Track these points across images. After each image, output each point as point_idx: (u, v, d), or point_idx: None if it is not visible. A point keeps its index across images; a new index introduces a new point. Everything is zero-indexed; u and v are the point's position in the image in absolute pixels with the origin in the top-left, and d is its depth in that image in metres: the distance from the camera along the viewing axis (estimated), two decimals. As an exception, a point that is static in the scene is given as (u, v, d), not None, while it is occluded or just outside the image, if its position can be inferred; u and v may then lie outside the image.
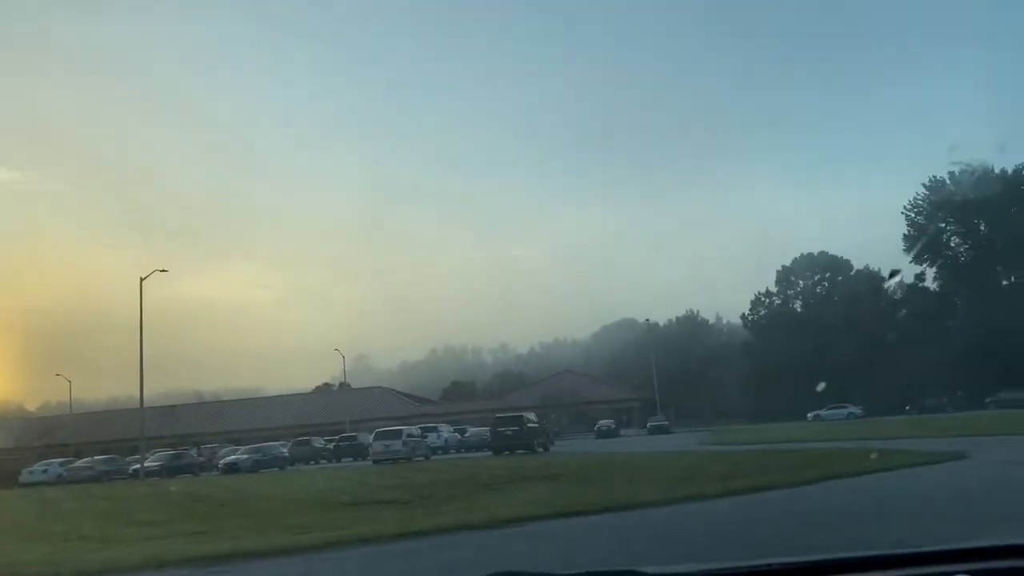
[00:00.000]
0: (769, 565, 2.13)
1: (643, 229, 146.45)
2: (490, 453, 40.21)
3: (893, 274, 47.83)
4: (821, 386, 51.59)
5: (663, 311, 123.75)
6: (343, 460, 49.85)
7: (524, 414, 42.05)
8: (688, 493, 13.26)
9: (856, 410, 66.82)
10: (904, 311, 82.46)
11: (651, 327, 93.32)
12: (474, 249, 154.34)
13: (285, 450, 50.47)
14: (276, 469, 45.10)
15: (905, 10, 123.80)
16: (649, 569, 2.04)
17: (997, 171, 75.23)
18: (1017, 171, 74.36)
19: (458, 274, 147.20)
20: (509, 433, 39.87)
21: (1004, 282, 76.24)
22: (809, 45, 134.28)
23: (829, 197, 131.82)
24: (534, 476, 22.05)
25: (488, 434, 43.51)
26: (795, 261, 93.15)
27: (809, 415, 68.35)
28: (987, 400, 61.51)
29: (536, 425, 42.36)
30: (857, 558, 2.17)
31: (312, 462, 51.32)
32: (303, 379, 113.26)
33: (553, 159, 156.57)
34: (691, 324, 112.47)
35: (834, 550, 2.25)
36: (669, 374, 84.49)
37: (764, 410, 76.78)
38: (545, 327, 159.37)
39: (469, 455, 44.87)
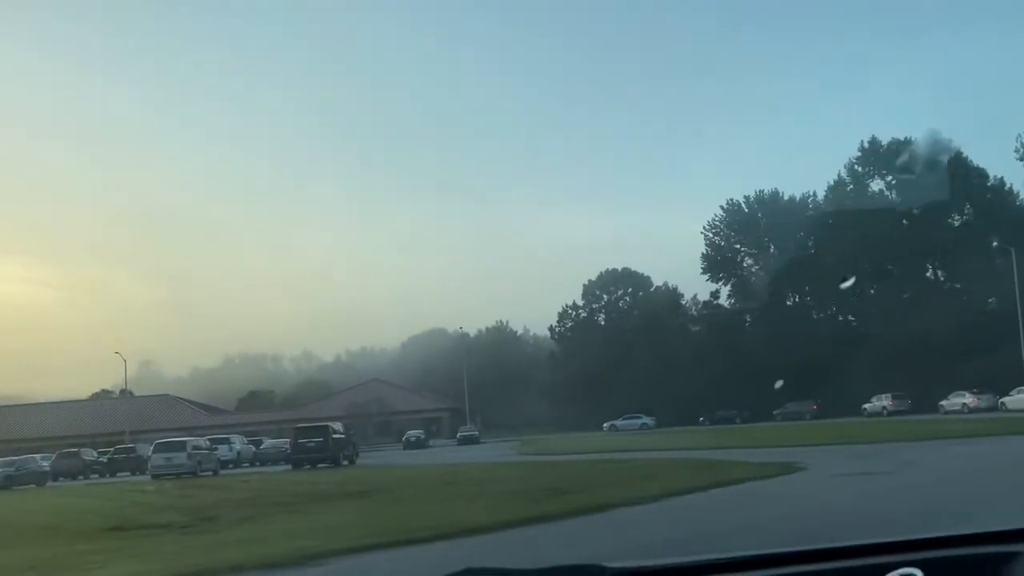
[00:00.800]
0: (731, 557, 2.12)
1: (454, 239, 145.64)
2: (289, 467, 36.91)
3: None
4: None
5: (474, 321, 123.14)
6: (118, 475, 44.25)
7: (329, 424, 38.92)
8: (530, 513, 11.39)
9: (649, 421, 68.96)
10: (700, 327, 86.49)
11: (462, 337, 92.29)
12: (276, 253, 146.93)
13: (46, 464, 43.97)
14: (33, 486, 38.96)
15: (703, 54, 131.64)
16: (614, 564, 1.98)
17: (786, 197, 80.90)
18: (804, 198, 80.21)
19: (257, 277, 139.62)
20: (312, 445, 36.62)
21: (788, 302, 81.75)
22: (622, 72, 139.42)
23: (635, 215, 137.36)
24: (340, 493, 19.49)
25: (288, 446, 40.00)
26: (600, 276, 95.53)
27: (605, 425, 69.89)
28: (775, 412, 65.17)
29: (342, 436, 39.38)
30: (804, 552, 2.16)
31: (80, 477, 45.16)
32: (80, 386, 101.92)
33: (364, 162, 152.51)
34: (501, 335, 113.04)
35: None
36: (479, 384, 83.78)
37: (568, 420, 77.70)
38: (352, 335, 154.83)
39: (265, 469, 41.08)
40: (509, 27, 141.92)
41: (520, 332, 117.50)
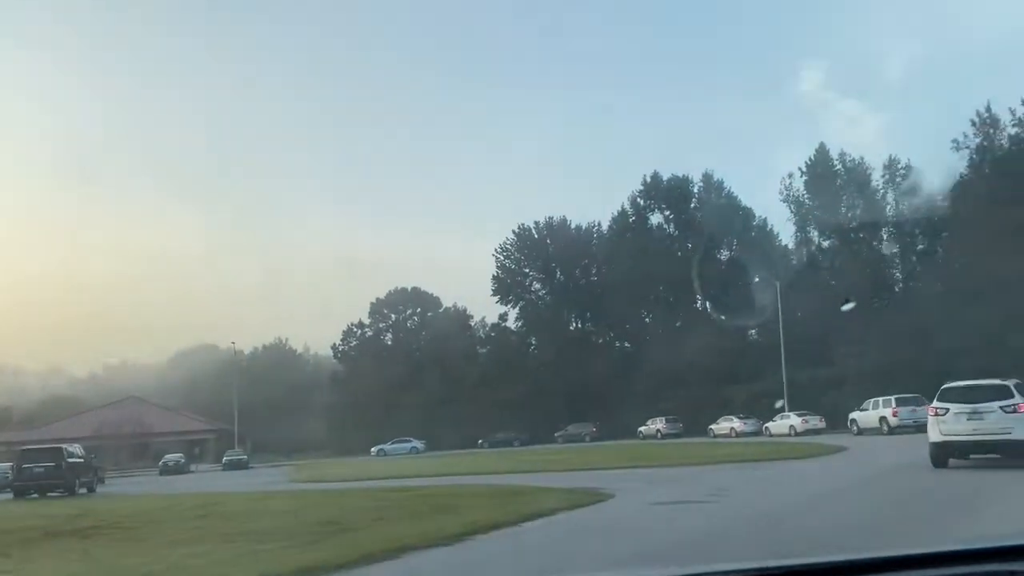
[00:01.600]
0: (766, 567, 2.08)
1: (229, 249, 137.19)
2: (11, 496, 31.15)
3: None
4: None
5: (250, 338, 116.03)
6: None
7: (64, 447, 33.27)
8: (304, 560, 8.86)
9: (419, 444, 67.35)
10: (487, 349, 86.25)
11: (235, 354, 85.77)
12: (22, 256, 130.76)
13: None
14: None
15: (497, 71, 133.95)
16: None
17: (574, 225, 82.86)
18: (589, 227, 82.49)
19: None
20: (40, 470, 31.07)
21: (572, 327, 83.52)
22: (414, 87, 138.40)
23: (429, 235, 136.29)
24: (64, 530, 15.70)
25: (10, 471, 33.89)
26: (389, 294, 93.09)
27: (373, 449, 67.53)
28: (556, 435, 65.65)
29: (80, 460, 33.89)
30: (867, 560, 2.09)
31: None
32: None
33: (128, 163, 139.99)
34: (279, 353, 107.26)
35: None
36: (251, 405, 77.93)
37: (349, 444, 74.07)
38: (111, 348, 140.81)
39: (-17, 499, 34.50)
40: (301, 33, 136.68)
41: (300, 351, 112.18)
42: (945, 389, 18.23)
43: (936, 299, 56.42)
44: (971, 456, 17.70)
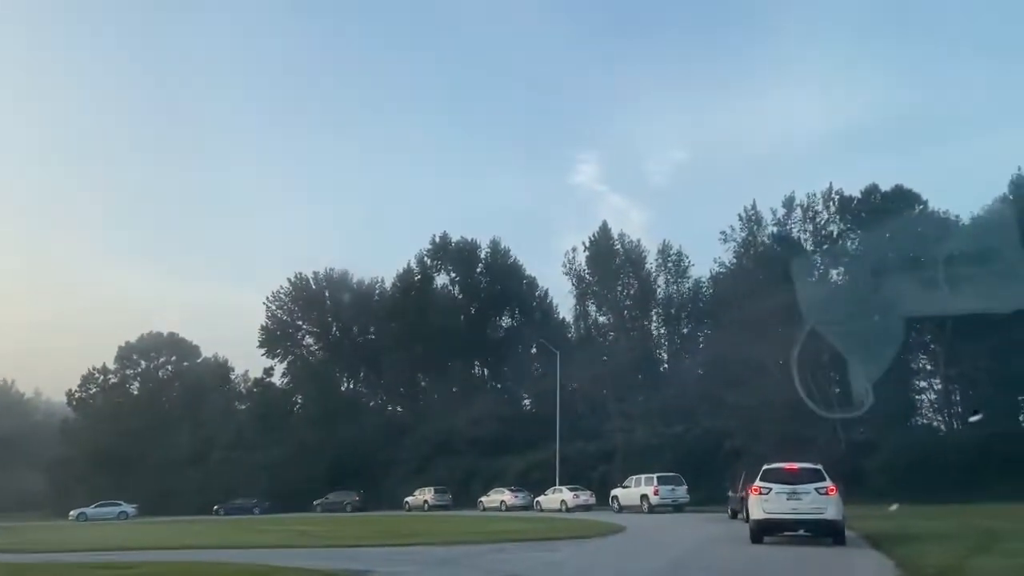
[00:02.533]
0: None
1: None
2: None
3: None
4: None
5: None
6: None
7: None
8: None
9: (130, 509, 60.29)
10: (247, 404, 79.68)
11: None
12: None
13: None
14: None
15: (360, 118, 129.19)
16: None
17: (355, 279, 79.35)
18: (372, 283, 79.36)
19: None
20: None
21: (343, 387, 79.22)
22: (171, 133, 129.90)
23: (190, 278, 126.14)
24: None
25: None
26: (141, 339, 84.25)
27: (72, 513, 59.55)
28: (315, 503, 60.74)
29: None
30: None
31: None
32: None
33: None
34: (3, 397, 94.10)
35: None
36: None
37: (72, 502, 64.09)
38: None
39: None
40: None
41: (30, 395, 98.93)
42: (767, 470, 19.73)
43: (698, 380, 58.83)
44: (785, 533, 19.42)
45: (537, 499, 48.09)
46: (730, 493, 34.98)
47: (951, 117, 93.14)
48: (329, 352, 78.70)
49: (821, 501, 18.62)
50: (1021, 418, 48.74)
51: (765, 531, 19.32)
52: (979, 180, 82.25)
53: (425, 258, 74.37)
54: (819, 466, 19.95)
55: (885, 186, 54.18)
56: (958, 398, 51.22)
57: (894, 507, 36.22)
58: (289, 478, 65.33)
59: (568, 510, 44.20)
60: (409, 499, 56.53)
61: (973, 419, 43.07)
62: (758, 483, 19.39)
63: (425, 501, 55.13)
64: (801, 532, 19.34)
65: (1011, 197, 50.38)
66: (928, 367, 52.84)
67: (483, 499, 51.84)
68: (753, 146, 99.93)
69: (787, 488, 18.85)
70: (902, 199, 52.86)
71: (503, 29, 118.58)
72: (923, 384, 53.48)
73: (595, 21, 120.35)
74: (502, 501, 50.08)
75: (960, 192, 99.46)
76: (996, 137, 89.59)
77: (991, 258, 47.02)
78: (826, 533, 18.85)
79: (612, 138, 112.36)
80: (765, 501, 18.96)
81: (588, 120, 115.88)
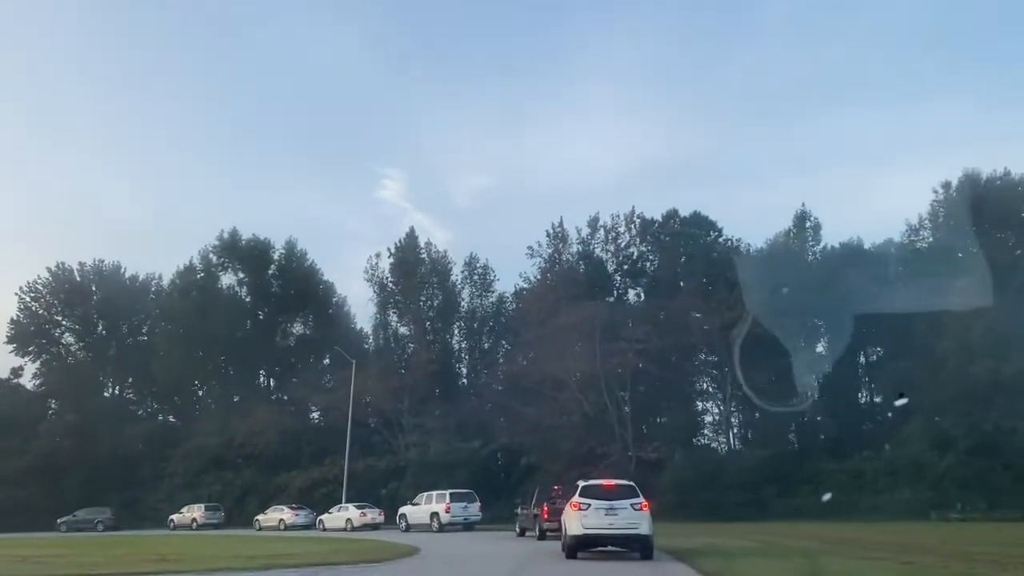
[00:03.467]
0: None
1: None
2: None
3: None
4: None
5: None
6: None
7: None
8: None
9: None
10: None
11: None
12: None
13: None
14: None
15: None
16: None
17: (130, 274, 71.59)
18: (148, 279, 71.86)
19: None
20: None
21: (107, 392, 70.95)
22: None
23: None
24: None
25: None
26: None
27: None
28: (60, 521, 53.16)
29: None
30: None
31: None
32: None
33: None
34: None
35: None
36: None
37: None
38: None
39: None
40: None
41: None
42: (586, 487, 19.99)
43: (497, 396, 57.61)
44: (599, 548, 19.80)
45: (320, 517, 44.38)
46: (520, 510, 33.81)
47: (742, 161, 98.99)
48: (92, 352, 70.13)
49: (635, 516, 19.01)
50: (792, 437, 51.37)
51: (583, 546, 19.51)
52: (770, 213, 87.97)
53: (211, 255, 68.01)
54: (632, 483, 20.61)
55: (685, 212, 55.87)
56: (741, 418, 53.28)
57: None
58: (31, 493, 57.00)
59: (354, 529, 41.02)
60: (175, 517, 50.77)
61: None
62: (578, 499, 19.53)
63: (194, 519, 49.66)
64: (609, 547, 19.77)
65: (795, 231, 53.55)
66: (711, 388, 54.71)
67: (259, 517, 47.32)
68: (556, 176, 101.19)
69: (605, 504, 19.14)
70: (699, 224, 54.65)
71: (318, 45, 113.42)
72: (707, 405, 55.28)
73: (406, 46, 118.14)
74: (281, 520, 45.88)
75: (752, 224, 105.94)
76: (785, 177, 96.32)
77: (781, 283, 49.59)
78: (639, 548, 19.24)
79: (418, 157, 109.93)
80: (584, 516, 19.08)
81: (395, 138, 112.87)
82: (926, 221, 51.48)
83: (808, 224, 53.62)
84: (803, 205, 53.70)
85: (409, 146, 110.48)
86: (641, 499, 19.38)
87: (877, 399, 52.03)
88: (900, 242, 51.86)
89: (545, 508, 28.28)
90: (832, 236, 54.00)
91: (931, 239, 50.88)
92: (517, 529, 33.14)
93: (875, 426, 50.46)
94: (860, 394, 53.43)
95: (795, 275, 50.58)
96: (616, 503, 19.15)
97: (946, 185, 50.10)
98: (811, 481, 43.59)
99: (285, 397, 66.90)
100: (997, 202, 47.55)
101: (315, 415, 65.74)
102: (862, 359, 52.85)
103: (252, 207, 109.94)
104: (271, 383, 69.53)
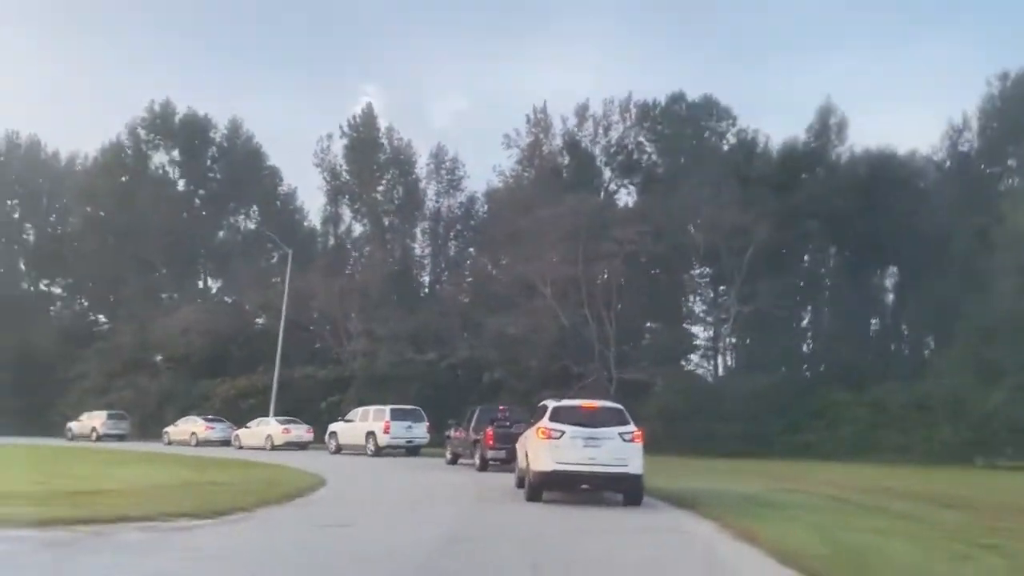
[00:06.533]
0: None
1: None
2: None
3: None
4: None
5: None
6: None
7: None
8: None
9: None
10: None
11: None
12: None
13: None
14: None
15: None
16: None
17: (51, 149, 62.72)
18: (73, 156, 62.98)
19: None
20: None
21: (26, 285, 62.85)
22: None
23: None
24: None
25: None
26: None
27: None
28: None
29: None
30: None
31: None
32: None
33: None
34: None
35: None
36: None
37: None
38: None
39: None
40: None
41: None
42: (558, 408, 15.41)
43: (463, 308, 50.34)
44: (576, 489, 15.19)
45: (236, 432, 37.19)
46: (452, 432, 27.55)
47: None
48: (6, 238, 61.79)
49: (624, 450, 14.44)
50: (805, 367, 44.68)
51: (552, 486, 14.81)
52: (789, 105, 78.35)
53: (139, 130, 58.71)
54: (620, 407, 15.90)
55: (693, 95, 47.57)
56: (747, 341, 46.34)
57: None
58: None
59: (274, 448, 34.00)
60: (73, 425, 43.57)
61: None
62: (547, 424, 14.87)
63: (93, 429, 42.36)
64: (584, 487, 15.14)
65: (817, 127, 45.76)
66: (706, 307, 47.49)
67: (169, 430, 40.12)
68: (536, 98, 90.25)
69: (584, 432, 14.58)
70: (709, 111, 46.56)
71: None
72: (700, 328, 47.95)
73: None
74: (193, 433, 38.65)
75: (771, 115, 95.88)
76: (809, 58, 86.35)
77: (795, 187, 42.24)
78: (627, 490, 14.65)
79: (396, 76, 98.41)
80: (556, 447, 14.44)
81: (371, 58, 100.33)
82: (971, 122, 43.95)
83: (833, 120, 45.82)
84: (828, 98, 45.88)
85: (385, 67, 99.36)
86: (632, 427, 14.78)
87: (903, 325, 45.15)
88: (940, 144, 44.41)
89: (489, 433, 22.54)
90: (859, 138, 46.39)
91: (978, 143, 43.43)
92: (448, 455, 27.28)
93: (899, 355, 43.72)
94: (884, 318, 46.37)
95: (815, 179, 43.37)
96: (599, 431, 14.58)
97: (1003, 76, 42.33)
98: (823, 416, 37.04)
99: (228, 300, 59.13)
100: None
101: (261, 319, 57.94)
102: (888, 281, 45.78)
103: (195, 75, 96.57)
104: (208, 281, 61.66)
